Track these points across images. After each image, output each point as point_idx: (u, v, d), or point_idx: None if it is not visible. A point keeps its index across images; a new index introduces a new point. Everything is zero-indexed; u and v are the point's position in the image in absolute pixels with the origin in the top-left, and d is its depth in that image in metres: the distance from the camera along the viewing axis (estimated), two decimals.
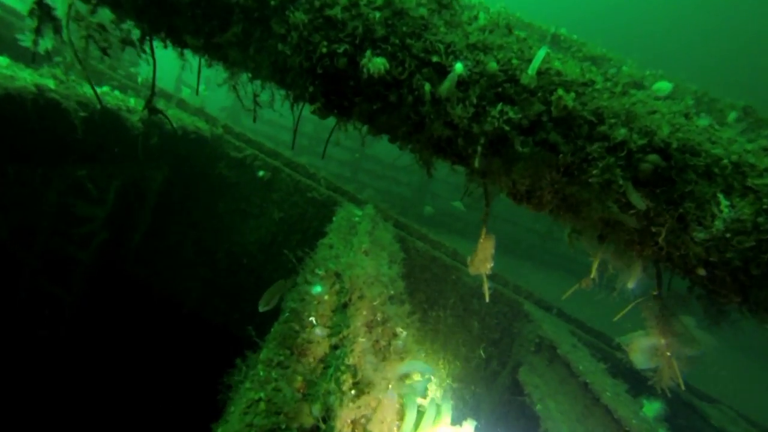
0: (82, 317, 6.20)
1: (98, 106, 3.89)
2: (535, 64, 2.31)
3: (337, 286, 3.25)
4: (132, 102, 5.30)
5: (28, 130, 3.66)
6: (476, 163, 2.40)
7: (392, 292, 3.82)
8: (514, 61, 2.35)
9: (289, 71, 2.25)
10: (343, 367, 2.17)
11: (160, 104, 6.60)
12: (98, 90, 5.01)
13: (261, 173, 7.04)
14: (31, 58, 2.69)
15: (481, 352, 7.00)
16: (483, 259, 2.76)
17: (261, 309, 2.76)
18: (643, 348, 2.61)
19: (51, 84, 3.71)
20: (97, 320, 6.31)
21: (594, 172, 2.40)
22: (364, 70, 2.22)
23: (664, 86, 7.57)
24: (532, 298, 7.96)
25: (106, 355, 6.39)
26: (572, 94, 2.35)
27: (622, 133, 2.31)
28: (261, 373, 1.97)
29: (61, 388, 6.12)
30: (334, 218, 5.72)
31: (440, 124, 2.35)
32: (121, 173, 5.90)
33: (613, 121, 2.34)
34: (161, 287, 6.88)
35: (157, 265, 6.86)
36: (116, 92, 5.24)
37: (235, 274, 7.12)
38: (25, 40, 2.34)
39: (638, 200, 2.36)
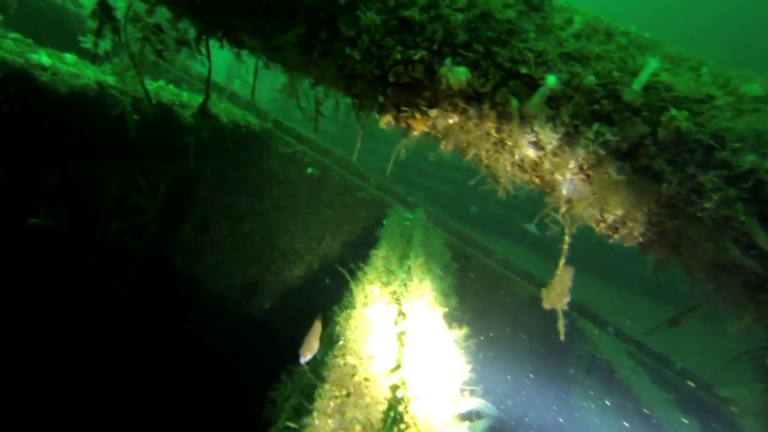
0: (134, 308, 6.28)
1: (151, 105, 3.82)
2: (643, 77, 1.97)
3: (394, 308, 3.02)
4: (185, 96, 5.23)
5: (89, 127, 3.61)
6: (563, 191, 2.09)
7: (446, 309, 3.56)
8: (615, 74, 2.02)
9: (358, 79, 2.01)
10: (402, 418, 1.94)
11: (212, 98, 6.55)
12: (154, 84, 4.97)
13: (310, 170, 6.89)
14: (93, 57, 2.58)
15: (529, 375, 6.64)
16: (560, 293, 2.44)
17: (302, 362, 2.56)
18: (758, 410, 2.23)
19: (111, 81, 3.65)
20: (146, 312, 6.39)
21: (707, 205, 2.04)
22: (443, 80, 1.95)
23: (753, 89, 6.87)
24: (586, 313, 7.49)
25: (149, 348, 6.46)
26: (685, 113, 2.00)
27: (750, 160, 1.94)
28: (316, 422, 1.77)
29: (110, 378, 6.23)
30: (384, 222, 5.50)
31: (525, 144, 2.05)
32: (173, 168, 5.89)
33: (737, 145, 1.97)
34: (207, 282, 6.89)
35: (204, 260, 6.87)
36: (170, 86, 5.20)
37: (280, 272, 7.04)
38: (87, 42, 2.21)
39: (766, 241, 1.99)
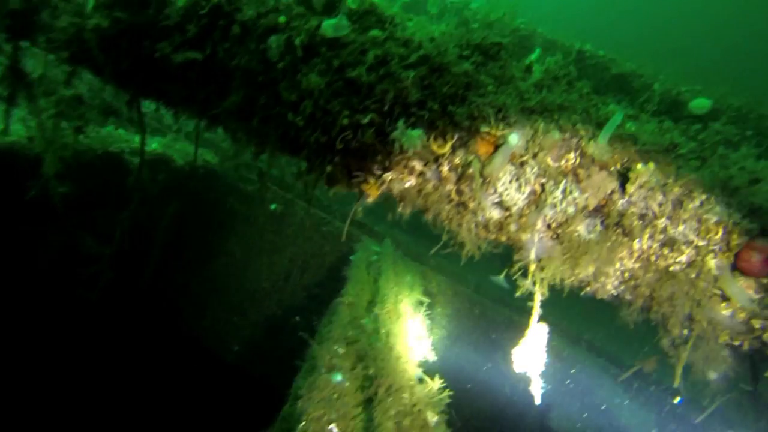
0: (96, 355, 5.89)
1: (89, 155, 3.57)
2: (607, 131, 1.86)
3: (359, 370, 2.82)
4: (136, 141, 4.96)
5: (21, 186, 3.32)
6: (531, 254, 1.96)
7: (418, 361, 3.39)
8: (580, 128, 1.91)
9: (302, 147, 1.83)
10: None
11: (167, 138, 6.26)
12: (103, 131, 4.69)
13: (273, 206, 6.65)
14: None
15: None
16: (531, 355, 2.29)
17: None
18: None
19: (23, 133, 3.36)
20: (111, 362, 5.99)
21: (680, 258, 1.95)
22: (396, 144, 1.79)
23: (702, 103, 7.02)
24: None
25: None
26: (651, 165, 1.91)
27: (716, 211, 1.85)
28: None
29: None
30: (352, 259, 5.31)
31: (489, 206, 1.91)
32: (128, 213, 5.57)
33: (704, 197, 1.88)
34: (174, 327, 6.53)
35: (172, 302, 6.51)
36: (120, 131, 4.92)
37: (248, 313, 6.73)
38: None
39: (740, 294, 1.89)
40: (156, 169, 5.55)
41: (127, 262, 6.30)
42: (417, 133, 1.80)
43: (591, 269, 2.04)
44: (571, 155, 1.89)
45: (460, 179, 1.89)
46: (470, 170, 1.86)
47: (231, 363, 7.00)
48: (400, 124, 1.81)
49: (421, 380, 2.99)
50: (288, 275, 6.67)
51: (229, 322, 7.03)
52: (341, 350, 2.97)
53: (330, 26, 1.79)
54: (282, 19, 1.82)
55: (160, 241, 6.60)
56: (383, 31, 1.87)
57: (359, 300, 4.00)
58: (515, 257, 2.20)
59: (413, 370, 3.11)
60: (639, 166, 1.84)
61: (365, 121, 1.81)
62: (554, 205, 1.88)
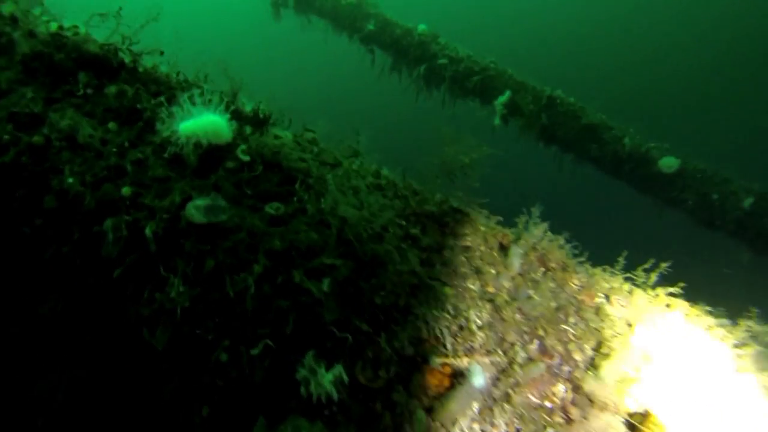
0: None
1: None
2: None
3: None
4: None
5: None
6: None
7: None
8: (574, 350, 1.33)
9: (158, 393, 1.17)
10: None
11: None
12: None
13: None
14: None
15: None
16: None
17: None
18: None
19: None
20: None
21: None
22: (302, 389, 1.16)
23: (670, 162, 6.75)
24: None
25: None
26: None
27: None
28: None
29: None
30: None
31: None
32: None
33: None
34: None
35: None
36: None
37: None
38: None
39: None
40: None
41: None
42: (333, 376, 1.17)
43: None
44: (559, 389, 1.32)
45: (399, 427, 1.27)
46: (413, 418, 1.24)
47: None
48: (309, 358, 1.18)
49: None
50: None
51: None
52: None
53: (197, 208, 1.14)
54: (126, 191, 1.15)
55: None
56: (287, 203, 1.24)
57: None
58: None
59: None
60: (654, 418, 1.28)
61: (255, 352, 1.17)
62: None
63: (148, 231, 1.12)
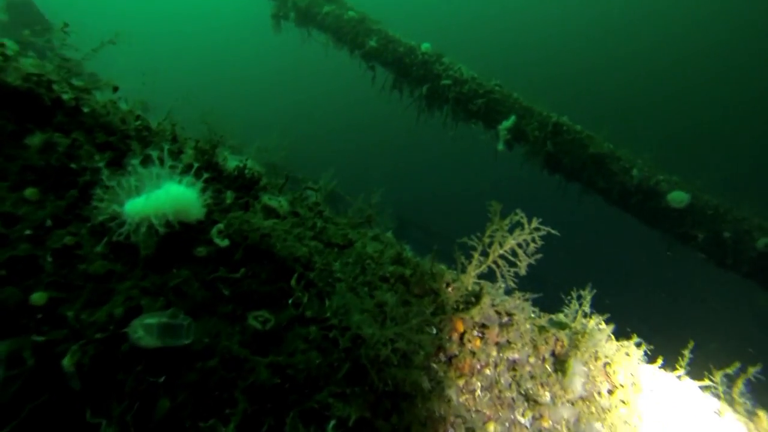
0: None
1: None
2: None
3: None
4: None
5: None
6: None
7: None
8: None
9: None
10: None
11: None
12: None
13: None
14: None
15: None
16: None
17: None
18: None
19: None
20: None
21: None
22: None
23: (680, 197, 6.47)
24: None
25: None
26: None
27: None
28: None
29: None
30: None
31: None
32: None
33: None
34: None
35: None
36: None
37: None
38: None
39: None
40: None
41: None
42: None
43: None
44: None
45: None
46: None
47: None
48: None
49: None
50: None
51: None
52: None
53: (148, 329, 0.77)
54: (38, 297, 0.78)
55: None
56: (279, 308, 0.88)
57: None
58: None
59: None
60: None
61: None
62: None
63: (67, 362, 0.75)
